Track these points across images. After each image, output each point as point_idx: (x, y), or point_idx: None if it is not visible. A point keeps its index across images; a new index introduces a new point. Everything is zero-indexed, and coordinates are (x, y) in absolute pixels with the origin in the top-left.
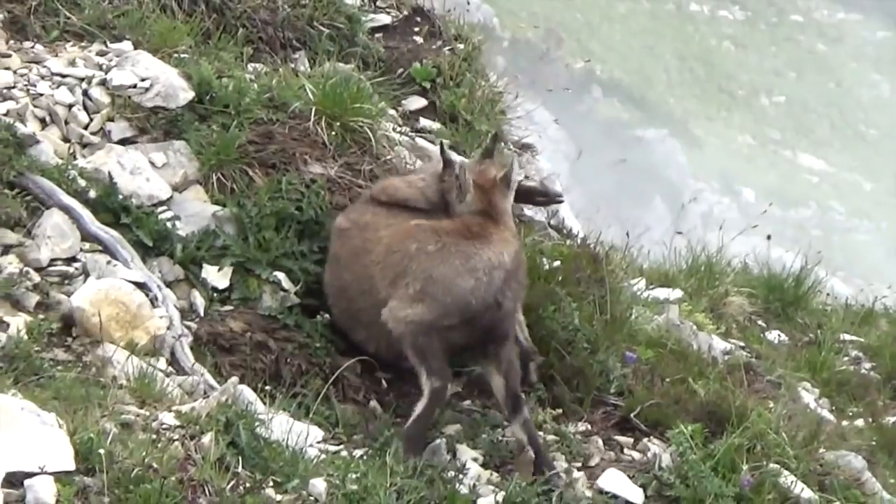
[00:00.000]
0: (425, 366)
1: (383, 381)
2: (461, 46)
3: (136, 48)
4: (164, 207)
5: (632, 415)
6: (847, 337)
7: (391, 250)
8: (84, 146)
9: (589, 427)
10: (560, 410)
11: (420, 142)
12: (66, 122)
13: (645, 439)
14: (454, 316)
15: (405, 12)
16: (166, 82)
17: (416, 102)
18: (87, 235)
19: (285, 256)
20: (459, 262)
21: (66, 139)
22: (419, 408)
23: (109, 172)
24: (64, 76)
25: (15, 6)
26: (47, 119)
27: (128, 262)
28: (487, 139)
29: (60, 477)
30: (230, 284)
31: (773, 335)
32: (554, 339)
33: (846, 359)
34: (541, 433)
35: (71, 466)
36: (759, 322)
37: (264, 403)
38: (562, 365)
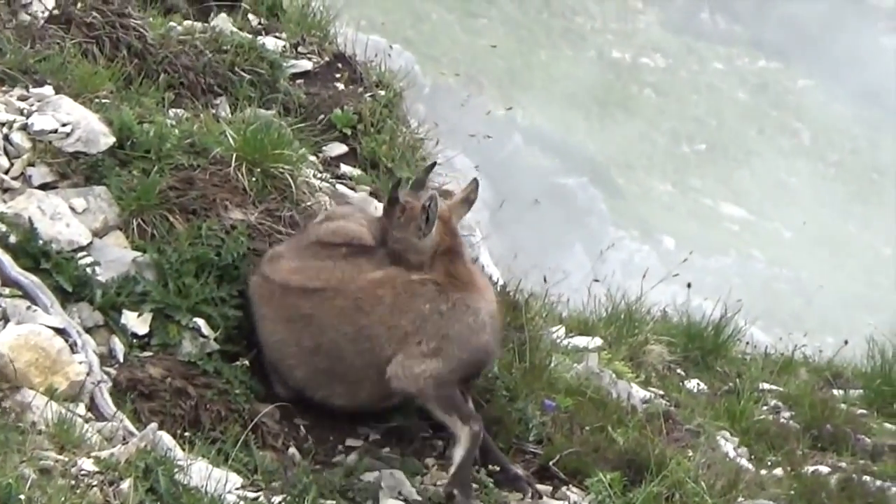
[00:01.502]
0: (458, 414)
1: (302, 428)
2: (382, 93)
3: (57, 93)
4: (85, 253)
5: (551, 463)
6: (766, 386)
7: (400, 310)
8: (5, 191)
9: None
10: (481, 460)
11: (340, 188)
12: None
13: (564, 488)
14: (470, 368)
15: (326, 58)
16: (87, 127)
17: (337, 149)
18: (7, 280)
19: (205, 302)
20: (471, 319)
21: None
22: (459, 456)
23: (30, 218)
24: None
25: None
26: None
27: (48, 307)
28: (420, 171)
29: None
30: (150, 330)
31: (693, 384)
32: (473, 387)
33: (765, 408)
34: None
35: None
36: (679, 370)
37: (183, 449)
38: (481, 413)
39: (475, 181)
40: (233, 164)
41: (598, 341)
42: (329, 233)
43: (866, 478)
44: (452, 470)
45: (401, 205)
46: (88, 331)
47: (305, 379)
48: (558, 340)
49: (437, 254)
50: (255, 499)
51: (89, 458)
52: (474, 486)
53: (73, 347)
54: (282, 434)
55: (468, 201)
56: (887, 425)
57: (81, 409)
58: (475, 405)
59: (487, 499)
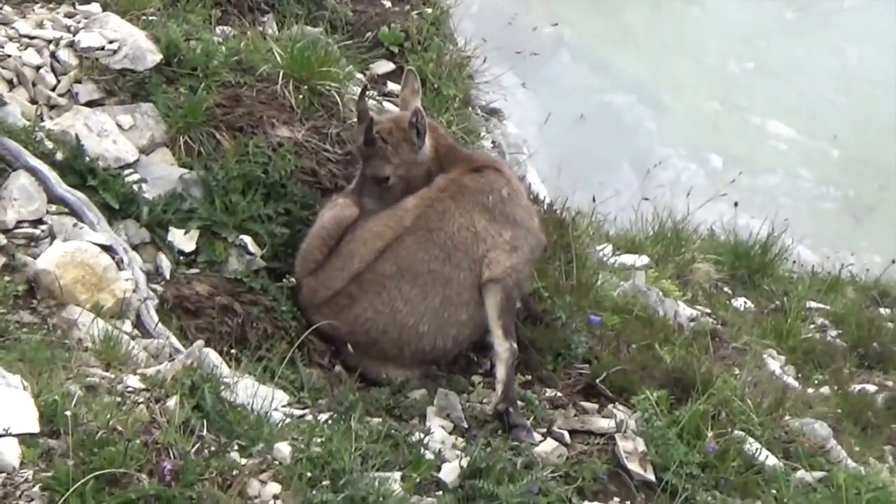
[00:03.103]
0: (504, 326)
1: (349, 346)
2: (429, 10)
3: (104, 10)
4: (131, 170)
5: (597, 381)
6: (813, 304)
7: (466, 209)
8: (51, 108)
9: (557, 393)
10: (528, 377)
11: (388, 106)
12: (34, 84)
13: (610, 405)
14: (535, 258)
15: None
16: (134, 44)
17: (384, 66)
18: (53, 198)
19: (251, 220)
20: (523, 202)
21: (33, 101)
22: (503, 373)
23: (77, 135)
24: (32, 38)
25: None
26: (15, 81)
27: (94, 224)
28: (357, 102)
29: (25, 439)
30: (196, 247)
31: (739, 302)
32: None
33: (812, 326)
34: None
35: (35, 429)
36: (726, 289)
37: (229, 367)
38: (527, 331)
39: (410, 71)
40: (279, 82)
41: (645, 259)
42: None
43: None
44: (499, 388)
45: (379, 136)
46: (135, 248)
47: (433, 334)
48: (605, 258)
49: (441, 156)
50: (302, 416)
51: (135, 375)
52: (519, 403)
53: (119, 264)
54: (328, 352)
55: (413, 90)
56: None
57: (127, 325)
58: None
59: (534, 415)
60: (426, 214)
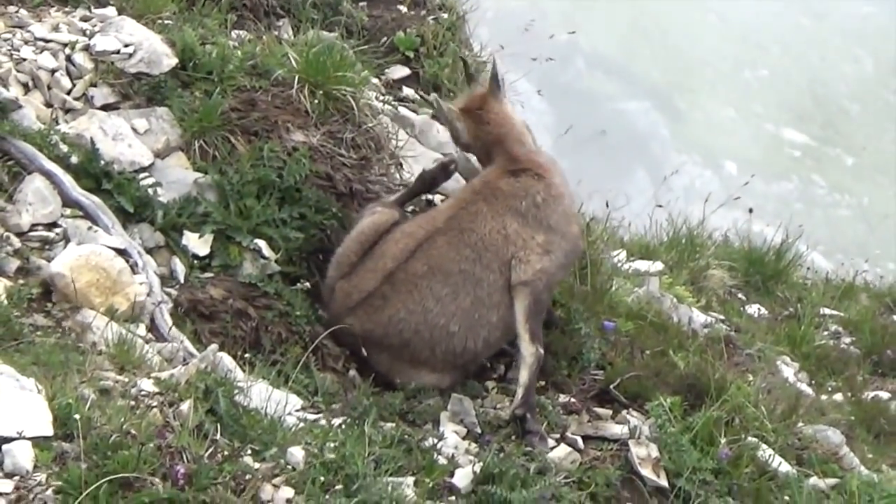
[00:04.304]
0: (531, 330)
1: (363, 351)
2: (445, 16)
3: (120, 14)
4: (146, 174)
5: (611, 387)
6: (827, 311)
7: (498, 213)
8: (67, 111)
9: (570, 399)
10: (542, 382)
11: (403, 111)
12: (49, 88)
13: (624, 411)
14: (570, 263)
15: None
16: (150, 48)
17: (400, 71)
18: (68, 201)
19: (266, 224)
20: (562, 207)
21: (48, 104)
22: (525, 377)
23: (92, 138)
24: (47, 41)
25: None
26: (30, 84)
27: (109, 228)
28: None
29: (38, 442)
30: (211, 251)
31: (753, 309)
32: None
33: (826, 333)
34: None
35: (49, 432)
36: (740, 295)
37: (243, 371)
38: (548, 336)
39: (493, 61)
40: (295, 86)
41: (659, 265)
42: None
43: None
44: (520, 392)
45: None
46: (149, 251)
47: (464, 335)
48: (620, 264)
49: (489, 145)
50: (315, 420)
51: (149, 378)
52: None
53: (133, 268)
54: (342, 356)
55: (494, 81)
56: None
57: (142, 329)
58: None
59: (547, 420)
60: (458, 216)
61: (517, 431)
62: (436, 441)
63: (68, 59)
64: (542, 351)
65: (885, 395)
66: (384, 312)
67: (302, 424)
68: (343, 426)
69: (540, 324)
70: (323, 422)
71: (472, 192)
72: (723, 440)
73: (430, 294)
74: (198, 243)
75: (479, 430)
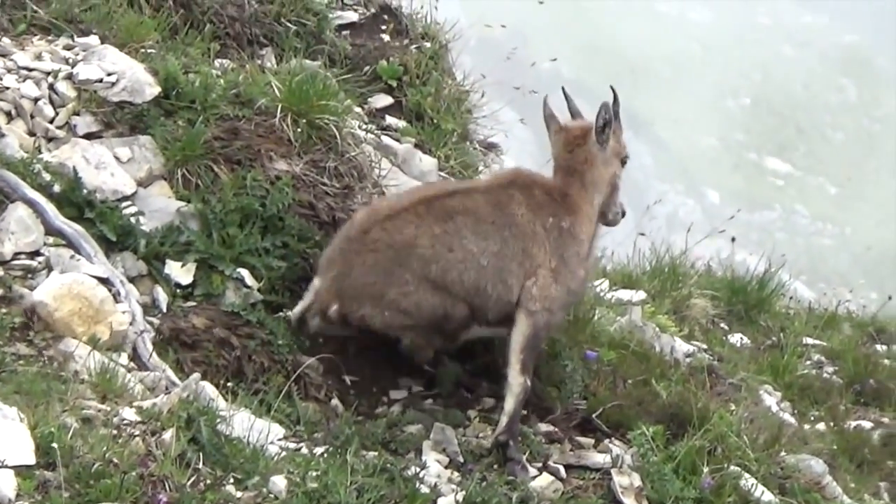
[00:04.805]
0: (527, 360)
1: (346, 379)
2: (428, 45)
3: (102, 42)
4: (129, 202)
5: (594, 416)
6: (809, 341)
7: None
8: (49, 140)
9: (553, 428)
10: (525, 411)
11: (386, 140)
12: (32, 116)
13: (607, 440)
14: (571, 304)
15: (372, 10)
16: (132, 77)
17: (383, 100)
18: (51, 230)
19: (249, 253)
20: (577, 248)
21: (31, 133)
22: (511, 406)
23: (74, 167)
24: (30, 70)
25: None
26: (13, 112)
27: (91, 256)
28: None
29: (21, 471)
30: (193, 280)
31: (736, 338)
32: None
33: (808, 362)
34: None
35: (31, 461)
36: (722, 325)
37: (226, 400)
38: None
39: (603, 104)
40: (278, 115)
41: (641, 295)
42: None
43: None
44: (504, 420)
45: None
46: (132, 280)
47: (491, 274)
48: (602, 294)
49: (560, 168)
50: (297, 449)
51: (131, 407)
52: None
53: (116, 297)
54: (325, 385)
55: (605, 124)
56: None
57: (124, 358)
58: None
59: (530, 449)
60: (498, 196)
61: (499, 460)
62: (418, 470)
63: (51, 87)
64: (529, 383)
65: (867, 424)
66: (416, 227)
67: (284, 453)
68: (325, 455)
69: (533, 358)
70: (305, 451)
71: (512, 179)
72: (705, 469)
73: (463, 225)
74: (180, 272)
75: (461, 459)
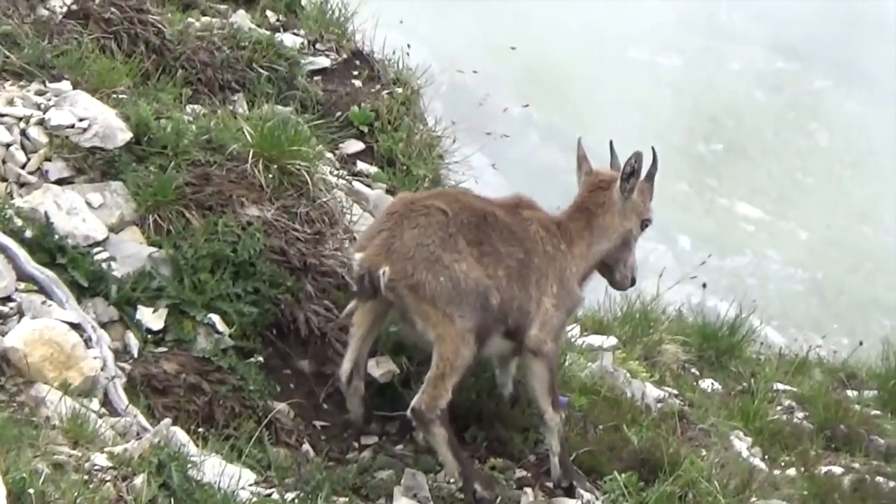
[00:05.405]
0: (554, 397)
1: (316, 425)
2: (399, 90)
3: (74, 88)
4: (100, 248)
5: None
6: (780, 386)
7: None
8: (21, 185)
9: (525, 473)
10: (500, 460)
11: (357, 185)
12: (4, 162)
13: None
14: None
15: (344, 56)
16: (104, 123)
17: (354, 146)
18: (22, 275)
19: (220, 298)
20: (568, 272)
21: (3, 178)
22: (557, 445)
23: (46, 212)
24: (2, 115)
25: None
26: None
27: (63, 302)
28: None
29: None
30: (165, 326)
31: (707, 383)
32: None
33: (779, 408)
34: None
35: None
36: (693, 370)
37: (197, 445)
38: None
39: (636, 153)
40: (249, 161)
41: (612, 340)
42: None
43: (879, 479)
44: (555, 461)
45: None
46: (103, 326)
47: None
48: (573, 339)
49: (577, 204)
50: (269, 495)
51: (103, 453)
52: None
53: (87, 342)
54: (296, 431)
55: (630, 176)
56: None
57: (95, 404)
58: (494, 404)
59: (499, 496)
60: (512, 213)
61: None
62: None
63: (23, 133)
64: (564, 416)
65: (838, 470)
66: (458, 204)
67: (255, 499)
68: (296, 501)
69: (556, 390)
70: (276, 496)
71: (517, 203)
72: None
73: (493, 228)
74: (152, 318)
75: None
